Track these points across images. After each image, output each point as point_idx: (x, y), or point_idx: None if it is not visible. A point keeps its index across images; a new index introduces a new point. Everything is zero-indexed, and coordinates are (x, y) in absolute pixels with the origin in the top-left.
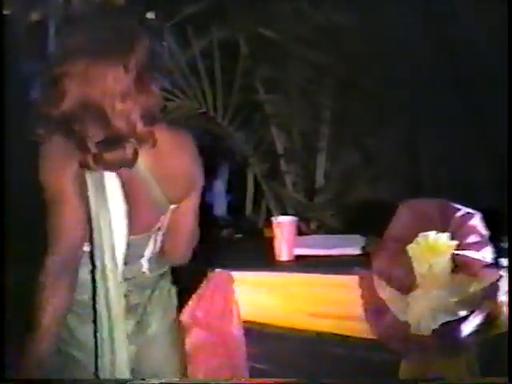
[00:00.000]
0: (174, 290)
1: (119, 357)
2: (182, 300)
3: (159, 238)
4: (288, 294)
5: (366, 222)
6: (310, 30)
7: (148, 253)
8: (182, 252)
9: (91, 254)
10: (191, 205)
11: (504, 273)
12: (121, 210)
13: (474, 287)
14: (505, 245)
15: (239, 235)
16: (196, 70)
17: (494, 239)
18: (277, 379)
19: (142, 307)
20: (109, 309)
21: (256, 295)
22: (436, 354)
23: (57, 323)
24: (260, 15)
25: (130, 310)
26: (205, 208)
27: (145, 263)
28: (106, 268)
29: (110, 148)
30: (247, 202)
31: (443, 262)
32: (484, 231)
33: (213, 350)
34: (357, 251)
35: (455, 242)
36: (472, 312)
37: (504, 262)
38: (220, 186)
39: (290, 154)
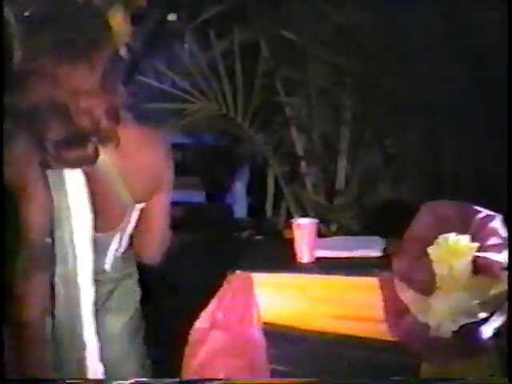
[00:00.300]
0: (138, 291)
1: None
2: (202, 302)
3: (125, 237)
4: (308, 295)
5: (386, 224)
6: (331, 31)
7: (112, 251)
8: (153, 251)
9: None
10: (160, 204)
11: None
12: (84, 206)
13: (495, 289)
14: None
15: (259, 237)
16: (217, 72)
17: None
18: (277, 379)
19: (99, 304)
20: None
21: (276, 297)
22: (456, 356)
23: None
24: (281, 17)
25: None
26: (225, 210)
27: (108, 261)
28: (67, 264)
29: (71, 147)
30: (267, 203)
31: (464, 264)
32: (505, 233)
33: (233, 352)
34: (377, 253)
35: (476, 244)
36: (492, 314)
37: None
38: (240, 187)
39: (310, 155)
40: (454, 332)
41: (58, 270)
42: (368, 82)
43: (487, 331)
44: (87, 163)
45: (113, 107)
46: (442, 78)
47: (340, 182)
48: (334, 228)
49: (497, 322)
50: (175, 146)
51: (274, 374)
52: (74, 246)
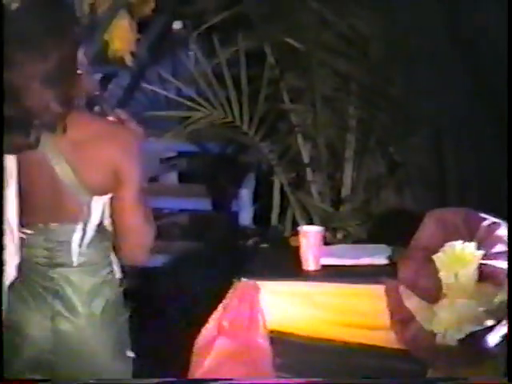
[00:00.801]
0: (113, 284)
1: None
2: (209, 309)
3: (90, 229)
4: (314, 303)
5: (392, 232)
6: (336, 39)
7: (75, 242)
8: (128, 251)
9: None
10: (127, 198)
11: None
12: (13, 194)
13: (501, 297)
14: None
15: (265, 245)
16: (222, 80)
17: None
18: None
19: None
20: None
21: (282, 305)
22: (462, 364)
23: None
24: (286, 24)
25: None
26: (231, 218)
27: (74, 252)
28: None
29: (14, 131)
30: (273, 211)
31: (470, 272)
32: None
33: (239, 359)
34: (383, 261)
35: (482, 252)
36: (498, 322)
37: None
38: (246, 195)
39: (315, 163)
40: (459, 339)
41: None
42: (373, 89)
43: (493, 339)
44: (28, 148)
45: (66, 94)
46: (446, 85)
47: (346, 190)
48: (339, 236)
49: (503, 329)
50: (180, 154)
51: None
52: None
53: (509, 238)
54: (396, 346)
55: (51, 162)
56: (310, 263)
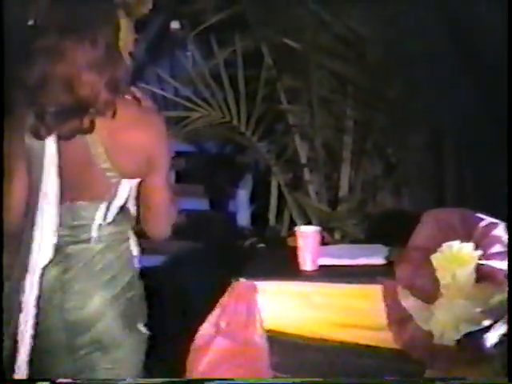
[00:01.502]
0: (131, 260)
1: None
2: (206, 309)
3: (113, 208)
4: (312, 303)
5: (389, 232)
6: (333, 40)
7: (98, 219)
8: (155, 227)
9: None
10: (155, 184)
11: None
12: (53, 174)
13: (498, 297)
14: None
15: (262, 245)
16: (219, 80)
17: None
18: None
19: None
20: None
21: (280, 305)
22: (460, 364)
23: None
24: (283, 25)
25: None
26: (228, 218)
27: (94, 231)
28: (42, 229)
29: (69, 117)
30: (270, 211)
31: (467, 272)
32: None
33: (236, 359)
34: (380, 261)
35: (479, 252)
36: (496, 322)
37: None
38: (243, 195)
39: (313, 163)
40: (457, 340)
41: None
42: (370, 90)
43: (491, 339)
44: (82, 133)
45: (114, 80)
46: (445, 86)
47: (343, 190)
48: (337, 236)
49: (500, 329)
50: (178, 154)
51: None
52: (50, 215)
53: (509, 239)
54: (393, 346)
55: (88, 144)
56: (307, 263)
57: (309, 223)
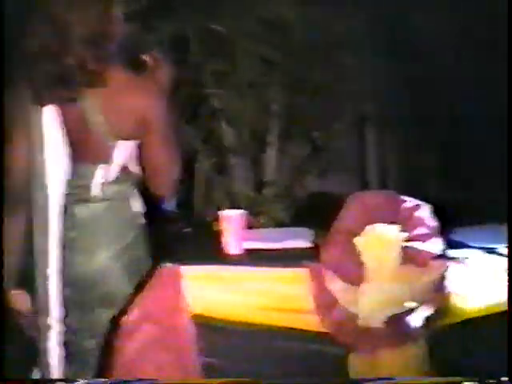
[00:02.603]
0: (137, 215)
1: None
2: (132, 295)
3: (114, 167)
4: (238, 288)
5: (315, 215)
6: (260, 25)
7: (99, 178)
8: (158, 185)
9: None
10: (153, 143)
11: (453, 263)
12: (57, 139)
13: (423, 279)
14: (454, 236)
15: (188, 229)
16: None
17: (442, 230)
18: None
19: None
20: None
21: (206, 290)
22: (385, 346)
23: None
24: (210, 10)
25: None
26: (153, 202)
27: (96, 190)
28: (46, 190)
29: (63, 85)
30: (196, 196)
31: (392, 254)
32: (432, 223)
33: (163, 345)
34: (306, 244)
35: (404, 234)
36: (421, 304)
37: (452, 253)
38: None
39: (238, 147)
40: (383, 322)
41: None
42: (295, 74)
43: (416, 321)
44: (69, 102)
45: (102, 54)
46: (369, 70)
47: (269, 174)
48: (263, 220)
49: (426, 311)
50: None
51: (204, 366)
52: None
53: (509, 238)
54: (320, 329)
55: (86, 111)
56: (232, 247)
57: (235, 207)
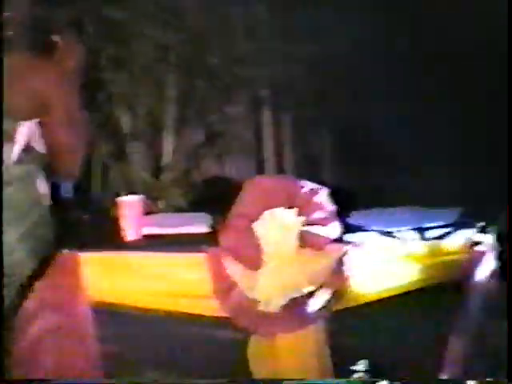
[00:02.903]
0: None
1: None
2: (31, 282)
3: (18, 146)
4: (137, 273)
5: (213, 200)
6: (156, 9)
7: (15, 152)
8: (61, 165)
9: None
10: (54, 122)
11: (351, 247)
12: None
13: (321, 263)
14: (351, 220)
15: (86, 216)
16: None
17: (340, 215)
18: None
19: None
20: None
21: (105, 276)
22: (285, 330)
23: None
24: None
25: None
26: (50, 189)
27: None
28: None
29: None
30: (93, 182)
31: (290, 239)
32: (330, 207)
33: (63, 332)
34: (204, 229)
35: (302, 218)
36: (320, 288)
37: (350, 237)
38: None
39: (135, 133)
40: (281, 306)
41: None
42: (191, 58)
43: (314, 304)
44: None
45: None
46: (267, 55)
47: (166, 159)
48: (161, 205)
49: (323, 295)
50: None
51: (105, 354)
52: None
53: (509, 237)
54: (220, 314)
55: None
56: (130, 233)
57: (133, 193)
